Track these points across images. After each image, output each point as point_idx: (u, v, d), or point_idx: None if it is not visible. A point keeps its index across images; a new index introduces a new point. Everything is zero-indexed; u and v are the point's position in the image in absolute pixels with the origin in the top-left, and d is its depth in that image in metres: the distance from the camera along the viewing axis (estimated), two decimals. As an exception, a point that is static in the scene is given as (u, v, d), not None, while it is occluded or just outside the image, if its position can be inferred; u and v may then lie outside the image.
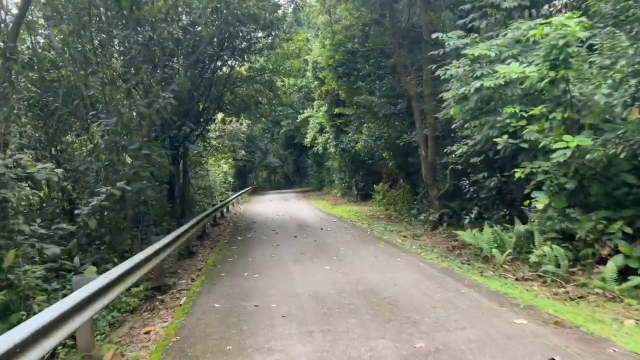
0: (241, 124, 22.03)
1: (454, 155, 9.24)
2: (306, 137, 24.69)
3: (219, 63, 13.60)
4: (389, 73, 13.56)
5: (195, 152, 20.23)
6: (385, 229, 12.00)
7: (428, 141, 11.52)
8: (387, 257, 8.10)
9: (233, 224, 15.73)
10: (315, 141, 22.95)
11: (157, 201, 13.15)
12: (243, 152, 35.66)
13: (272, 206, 22.86)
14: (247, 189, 32.84)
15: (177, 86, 9.66)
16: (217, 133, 29.25)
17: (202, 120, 14.29)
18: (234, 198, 22.52)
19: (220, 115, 20.63)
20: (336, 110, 17.90)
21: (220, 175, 30.01)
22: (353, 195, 23.28)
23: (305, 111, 24.21)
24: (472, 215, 9.46)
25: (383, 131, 13.81)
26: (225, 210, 21.02)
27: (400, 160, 15.77)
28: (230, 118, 20.75)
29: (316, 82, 20.44)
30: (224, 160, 29.73)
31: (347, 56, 14.27)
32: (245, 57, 14.84)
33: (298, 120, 25.44)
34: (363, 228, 12.52)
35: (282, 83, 16.59)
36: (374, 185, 19.28)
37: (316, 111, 22.99)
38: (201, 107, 13.43)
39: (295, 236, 11.36)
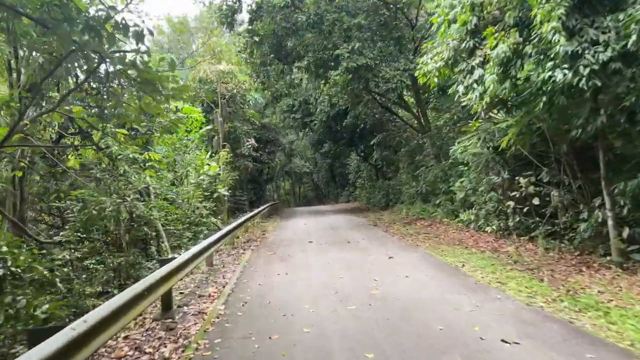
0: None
1: None
2: (421, 65, 8.34)
3: None
4: None
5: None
6: None
7: None
8: None
9: None
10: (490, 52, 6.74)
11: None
12: (253, 141, 20.00)
13: (329, 280, 6.88)
14: (257, 212, 16.99)
15: None
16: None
17: None
18: (198, 259, 6.57)
19: None
20: None
21: (203, 184, 14.56)
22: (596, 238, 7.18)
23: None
24: None
25: None
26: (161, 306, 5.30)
27: None
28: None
29: None
30: (203, 149, 14.24)
31: None
32: None
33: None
34: None
35: None
36: None
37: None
38: None
39: None
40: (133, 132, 9.02)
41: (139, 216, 7.18)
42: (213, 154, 16.33)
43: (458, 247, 9.28)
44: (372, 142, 18.50)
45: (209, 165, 15.43)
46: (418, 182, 16.80)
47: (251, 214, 15.13)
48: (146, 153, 7.24)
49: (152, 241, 9.10)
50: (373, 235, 11.80)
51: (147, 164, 7.46)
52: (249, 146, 19.33)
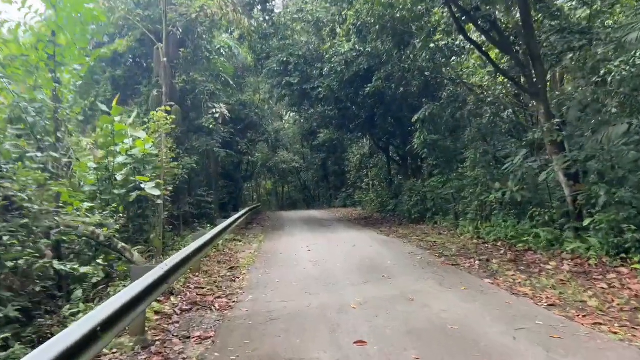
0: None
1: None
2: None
3: None
4: None
5: None
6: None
7: None
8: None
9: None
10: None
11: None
12: (224, 109, 12.55)
13: None
14: (229, 224, 9.64)
15: None
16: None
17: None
18: None
19: None
20: None
21: (107, 172, 7.09)
22: None
23: None
24: None
25: None
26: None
27: None
28: None
29: None
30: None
31: None
32: None
33: None
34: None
35: None
36: None
37: None
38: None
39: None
40: None
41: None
42: (145, 121, 9.00)
43: None
44: (414, 118, 11.53)
45: (134, 138, 8.10)
46: (504, 183, 9.90)
47: (213, 232, 7.84)
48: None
49: None
50: (510, 313, 4.70)
51: None
52: (216, 115, 11.76)
